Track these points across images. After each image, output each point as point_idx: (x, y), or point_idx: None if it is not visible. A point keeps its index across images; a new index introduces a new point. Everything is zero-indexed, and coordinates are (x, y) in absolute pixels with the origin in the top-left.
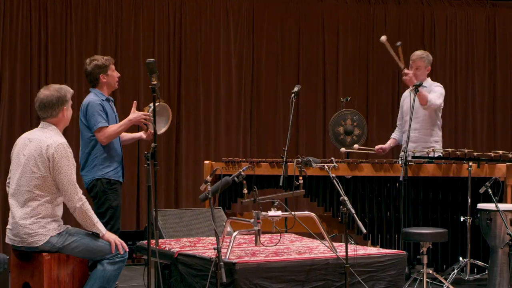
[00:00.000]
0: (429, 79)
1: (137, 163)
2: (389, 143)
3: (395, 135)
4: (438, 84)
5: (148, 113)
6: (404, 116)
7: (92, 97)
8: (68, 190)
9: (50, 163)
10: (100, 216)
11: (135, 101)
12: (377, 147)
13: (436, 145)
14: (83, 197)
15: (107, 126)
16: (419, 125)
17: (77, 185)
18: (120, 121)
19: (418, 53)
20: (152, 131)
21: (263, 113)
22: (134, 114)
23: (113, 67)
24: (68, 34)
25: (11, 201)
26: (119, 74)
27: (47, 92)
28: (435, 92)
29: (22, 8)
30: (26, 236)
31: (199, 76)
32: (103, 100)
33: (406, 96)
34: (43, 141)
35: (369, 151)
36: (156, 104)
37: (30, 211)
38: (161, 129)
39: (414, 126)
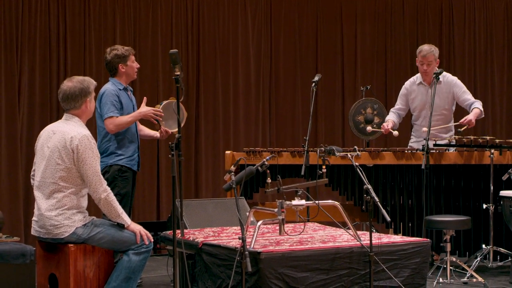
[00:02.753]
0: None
1: (157, 153)
2: (391, 125)
3: (394, 118)
4: (454, 78)
5: (159, 110)
6: (413, 108)
7: (109, 86)
8: (93, 181)
9: (75, 155)
10: None
11: (145, 97)
12: (385, 128)
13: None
14: (108, 188)
15: (117, 117)
16: (438, 122)
17: (102, 176)
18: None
19: (426, 48)
20: (165, 129)
21: (281, 103)
22: (144, 108)
23: (133, 57)
24: (86, 27)
25: (36, 193)
26: (138, 65)
27: (70, 83)
28: (467, 93)
29: (41, 1)
30: (52, 228)
31: (218, 67)
32: (120, 89)
33: (414, 90)
34: (67, 133)
35: (379, 131)
36: (167, 101)
37: (56, 203)
38: (173, 128)
39: (432, 123)
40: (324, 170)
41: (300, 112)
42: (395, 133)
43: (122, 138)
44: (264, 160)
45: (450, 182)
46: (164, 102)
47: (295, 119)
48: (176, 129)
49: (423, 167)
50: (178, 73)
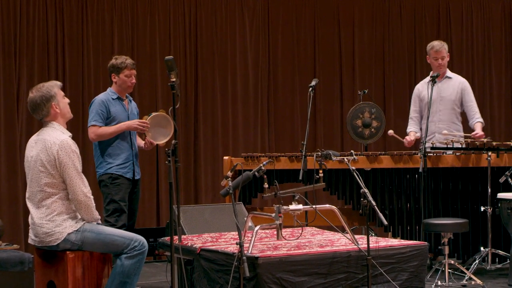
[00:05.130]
0: (448, 70)
1: (156, 160)
2: (413, 138)
3: (414, 128)
4: (464, 79)
5: (145, 121)
6: (423, 105)
7: (100, 96)
8: (77, 182)
9: (57, 161)
10: (105, 210)
11: None
12: (408, 141)
13: (461, 138)
14: (90, 192)
15: (99, 126)
16: (445, 117)
17: (85, 179)
18: (136, 118)
19: (437, 43)
20: (150, 140)
21: (280, 108)
22: (130, 121)
23: (128, 72)
24: (84, 34)
25: (28, 203)
26: (134, 81)
27: (31, 94)
28: (472, 95)
29: (39, 9)
30: (44, 236)
31: (216, 72)
32: (113, 98)
33: (425, 88)
34: (46, 140)
35: (400, 140)
36: (156, 114)
37: (45, 210)
38: (160, 140)
39: (440, 117)
40: (321, 175)
41: (298, 116)
42: (418, 135)
43: (111, 147)
44: (261, 165)
45: (448, 185)
46: (153, 114)
47: (294, 123)
48: (162, 141)
49: (420, 170)
50: (174, 79)
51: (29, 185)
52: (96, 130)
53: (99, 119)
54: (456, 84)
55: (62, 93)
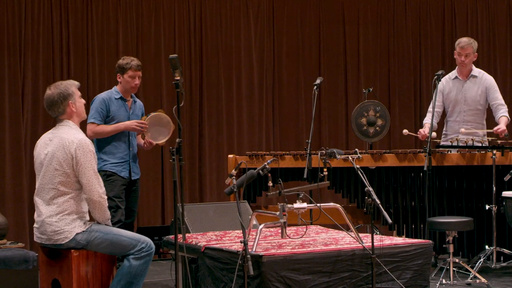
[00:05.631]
0: (474, 67)
1: (161, 158)
2: (427, 130)
3: (430, 120)
4: (489, 77)
5: (144, 122)
6: (448, 103)
7: (103, 94)
8: (93, 182)
9: (74, 160)
10: None
11: None
12: (422, 134)
13: (485, 138)
14: (105, 193)
15: (97, 124)
16: (470, 117)
17: (101, 180)
18: (139, 119)
19: (465, 39)
20: (149, 140)
21: (285, 106)
22: (129, 121)
23: (132, 73)
24: (89, 31)
25: (36, 199)
26: (137, 83)
27: (49, 91)
28: (498, 92)
29: (43, 6)
30: (53, 234)
31: (221, 71)
32: (116, 98)
33: (449, 85)
34: (64, 138)
35: (416, 136)
36: (155, 114)
37: (56, 208)
38: (160, 140)
39: (465, 118)
40: (326, 173)
41: (303, 115)
42: (433, 134)
43: (109, 145)
44: (265, 163)
45: (453, 183)
46: (152, 114)
47: (298, 122)
48: (161, 141)
49: (425, 168)
50: (178, 78)
51: (40, 182)
52: (94, 127)
53: (98, 117)
54: (481, 82)
55: (79, 93)
